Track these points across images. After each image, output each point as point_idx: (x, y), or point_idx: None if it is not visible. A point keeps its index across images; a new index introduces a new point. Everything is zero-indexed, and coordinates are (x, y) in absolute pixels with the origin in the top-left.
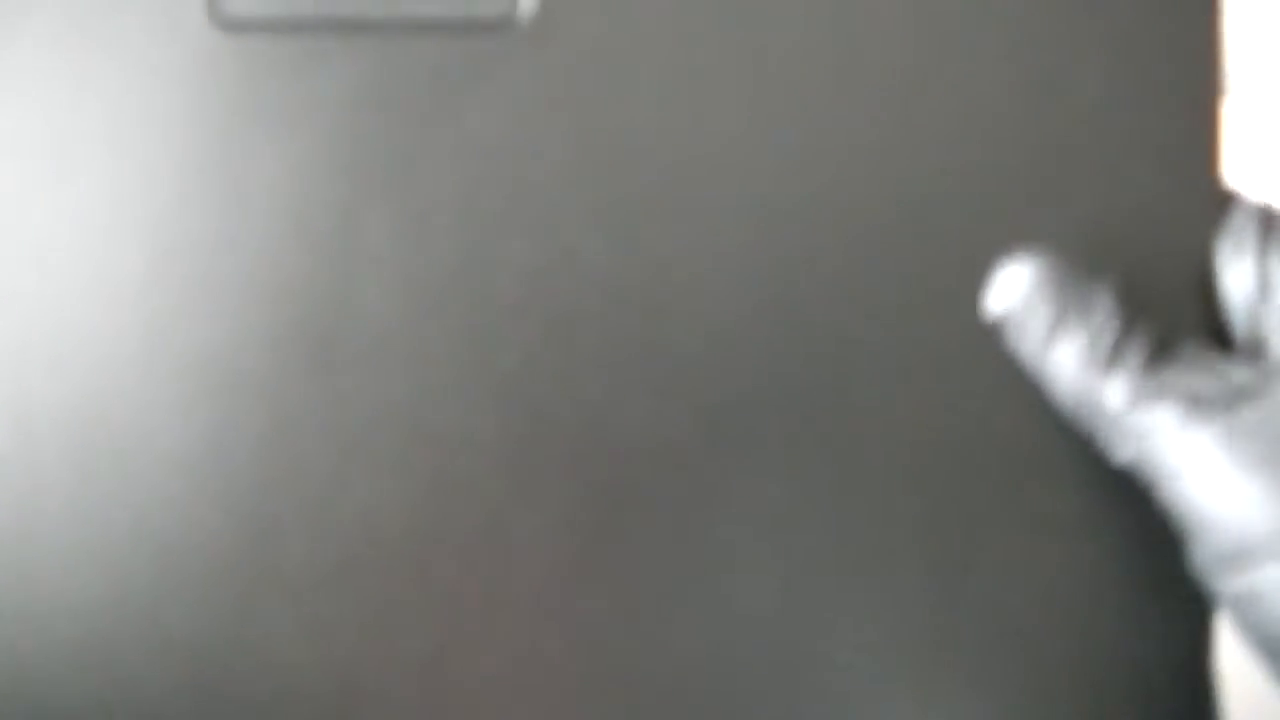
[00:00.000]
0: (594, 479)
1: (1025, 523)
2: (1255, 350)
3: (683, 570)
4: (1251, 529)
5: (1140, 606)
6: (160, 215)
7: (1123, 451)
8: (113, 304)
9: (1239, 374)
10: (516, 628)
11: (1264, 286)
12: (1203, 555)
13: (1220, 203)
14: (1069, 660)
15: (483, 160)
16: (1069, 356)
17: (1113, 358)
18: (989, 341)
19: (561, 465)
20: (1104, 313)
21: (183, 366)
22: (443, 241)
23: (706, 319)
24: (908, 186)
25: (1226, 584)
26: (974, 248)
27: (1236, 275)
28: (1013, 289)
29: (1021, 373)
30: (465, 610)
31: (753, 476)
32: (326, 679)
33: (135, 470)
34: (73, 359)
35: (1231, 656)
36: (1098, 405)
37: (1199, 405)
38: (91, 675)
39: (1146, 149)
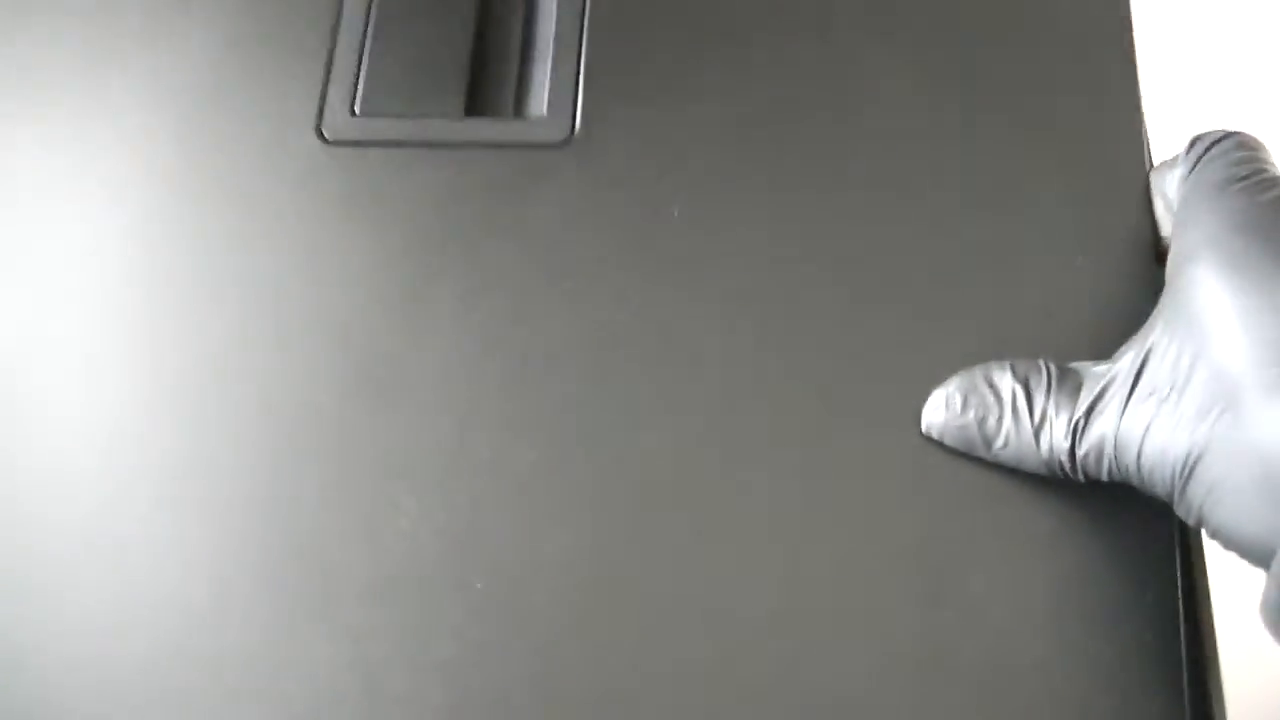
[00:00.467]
0: (615, 504)
1: (1005, 541)
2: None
3: (690, 584)
4: None
5: (1111, 614)
6: (264, 281)
7: (1103, 473)
8: (229, 342)
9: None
10: (541, 634)
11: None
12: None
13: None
14: (1047, 665)
15: (533, 245)
16: (1009, 442)
17: (1040, 425)
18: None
19: (587, 491)
20: (1010, 393)
21: (266, 401)
22: (494, 308)
23: (721, 374)
24: None
25: None
26: (948, 311)
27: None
28: (932, 413)
29: None
30: (494, 618)
31: (756, 504)
32: (356, 682)
33: (206, 487)
34: (177, 387)
35: (1230, 655)
36: (1058, 461)
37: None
38: (149, 678)
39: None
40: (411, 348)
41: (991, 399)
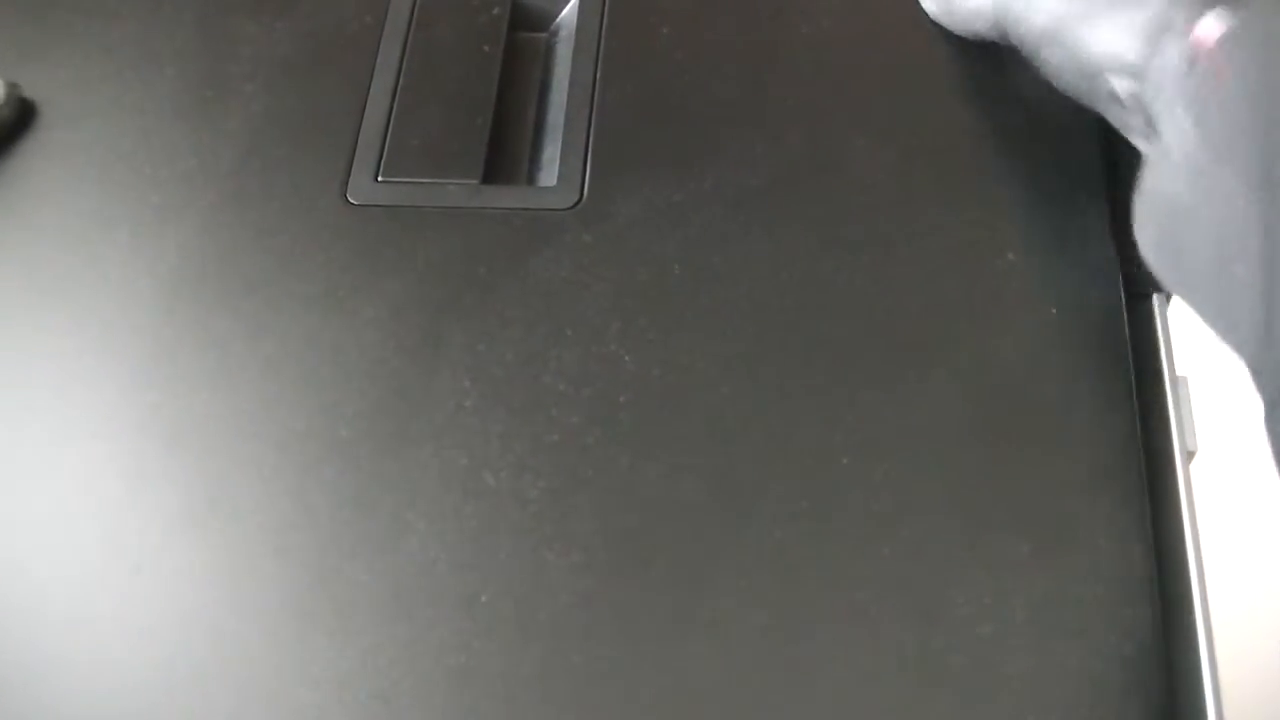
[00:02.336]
0: (617, 527)
1: (989, 564)
2: None
3: (686, 602)
4: None
5: (1090, 629)
6: (291, 325)
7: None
8: (261, 377)
9: None
10: (546, 645)
11: None
12: None
13: None
14: (1031, 676)
15: (541, 297)
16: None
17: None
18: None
19: (590, 517)
20: None
21: (290, 432)
22: (506, 351)
23: (715, 414)
24: None
25: None
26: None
27: None
28: None
29: (982, 440)
30: (502, 631)
31: (750, 523)
32: (367, 688)
33: (232, 508)
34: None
35: (1231, 654)
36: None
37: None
38: (173, 684)
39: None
40: (426, 388)
41: None
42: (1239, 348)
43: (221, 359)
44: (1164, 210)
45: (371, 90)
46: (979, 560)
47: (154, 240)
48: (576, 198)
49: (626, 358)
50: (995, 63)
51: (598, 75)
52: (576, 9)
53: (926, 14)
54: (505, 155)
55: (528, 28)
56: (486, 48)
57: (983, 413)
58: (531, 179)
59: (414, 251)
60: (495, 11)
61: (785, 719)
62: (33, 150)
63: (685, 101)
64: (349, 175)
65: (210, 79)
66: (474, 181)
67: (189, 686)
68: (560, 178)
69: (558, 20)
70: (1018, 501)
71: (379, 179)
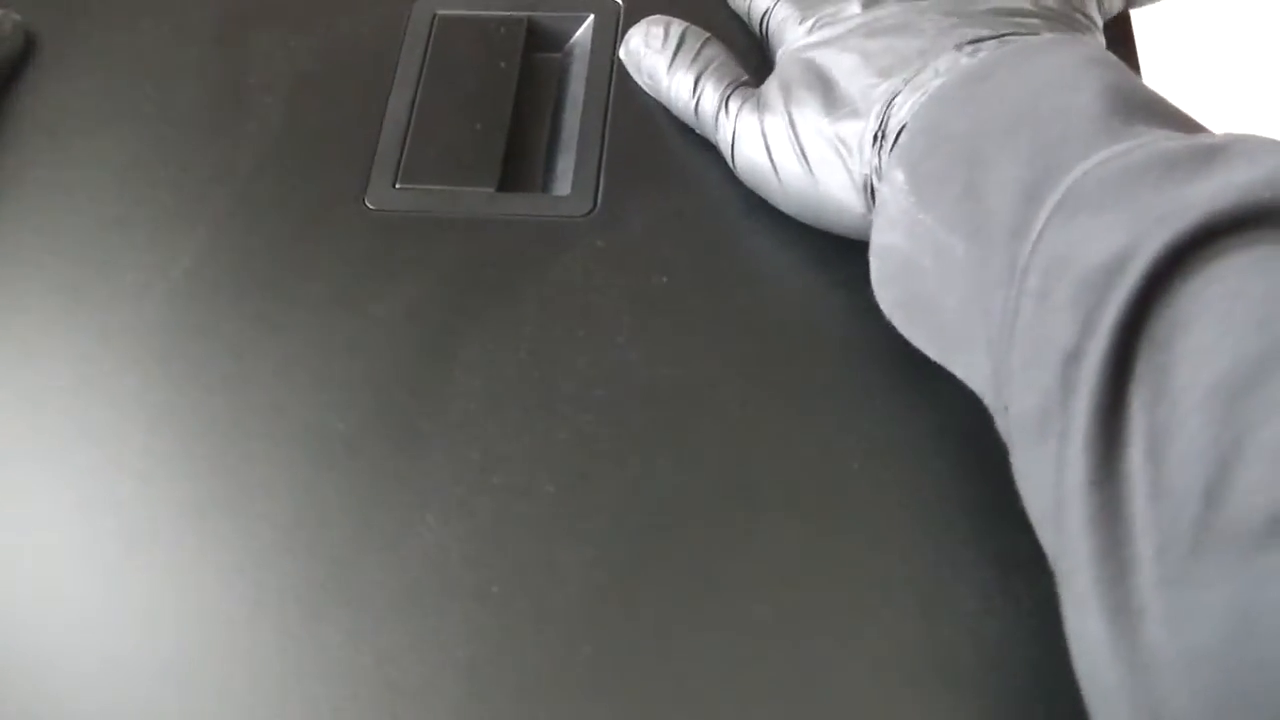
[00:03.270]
0: (628, 521)
1: (994, 562)
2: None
3: (696, 594)
4: None
5: None
6: (309, 325)
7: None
8: (276, 376)
9: None
10: (557, 637)
11: None
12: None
13: None
14: (1037, 671)
15: (554, 300)
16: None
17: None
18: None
19: (601, 512)
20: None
21: (305, 427)
22: (519, 351)
23: (724, 412)
24: None
25: None
26: None
27: None
28: (632, 45)
29: (988, 450)
30: (513, 624)
31: (757, 520)
32: (379, 680)
33: (246, 501)
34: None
35: None
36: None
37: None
38: (185, 675)
39: None
40: (440, 387)
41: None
42: (981, 394)
43: (238, 358)
44: (892, 263)
45: (390, 103)
46: (986, 556)
47: (172, 242)
48: (590, 206)
49: (637, 359)
50: None
51: (610, 91)
52: (591, 30)
53: None
54: (521, 165)
55: (543, 48)
56: (503, 64)
57: (988, 411)
58: (546, 188)
59: (430, 256)
60: (511, 30)
61: (794, 710)
62: (51, 156)
63: None
64: (368, 182)
65: (230, 91)
66: (490, 189)
67: (201, 681)
68: (574, 186)
69: (572, 40)
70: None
71: (397, 186)
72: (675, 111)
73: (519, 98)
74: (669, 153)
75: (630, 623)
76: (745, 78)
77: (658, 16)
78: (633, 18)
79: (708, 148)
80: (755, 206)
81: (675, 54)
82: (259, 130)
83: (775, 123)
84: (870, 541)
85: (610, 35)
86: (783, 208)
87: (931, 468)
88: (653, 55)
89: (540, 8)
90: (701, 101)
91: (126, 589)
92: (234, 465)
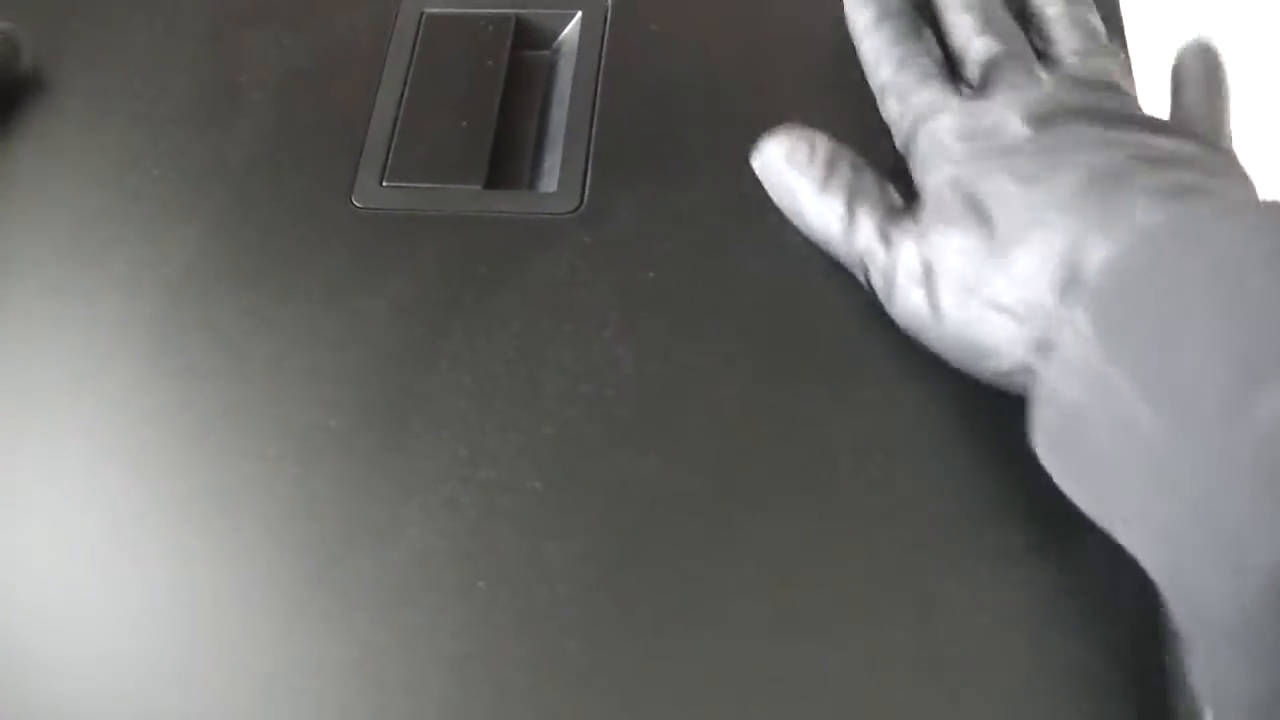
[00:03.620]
0: (615, 517)
1: (991, 554)
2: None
3: (686, 593)
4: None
5: (1089, 619)
6: (296, 321)
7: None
8: (263, 372)
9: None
10: (544, 634)
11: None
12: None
13: None
14: (1028, 666)
15: (540, 296)
16: (823, 217)
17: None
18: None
19: (588, 508)
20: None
21: (291, 424)
22: (506, 347)
23: (713, 408)
24: None
25: None
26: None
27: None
28: (770, 157)
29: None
30: (500, 620)
31: (749, 517)
32: (365, 676)
33: (232, 498)
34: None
35: None
36: (846, 249)
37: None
38: (172, 670)
39: None
40: (427, 383)
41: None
42: (1143, 563)
43: (226, 354)
44: (1058, 413)
45: (377, 101)
46: (977, 552)
47: (161, 238)
48: (577, 202)
49: (624, 354)
50: None
51: (598, 88)
52: (578, 27)
53: None
54: (508, 162)
55: (530, 46)
56: (490, 62)
57: (981, 406)
58: (533, 185)
59: (417, 252)
60: (498, 29)
61: (784, 709)
62: (42, 153)
63: (683, 112)
64: (355, 179)
65: (220, 88)
66: (477, 186)
67: (188, 675)
68: (561, 183)
69: (560, 38)
70: (1015, 493)
71: (384, 183)
72: (809, 233)
73: (506, 95)
74: (656, 149)
75: (618, 619)
76: (899, 203)
77: (801, 129)
78: (620, 15)
79: (694, 144)
80: (743, 203)
81: (827, 176)
82: (249, 127)
83: (938, 260)
84: (864, 539)
85: (598, 32)
86: (935, 348)
87: (925, 465)
88: (797, 174)
89: (528, 5)
90: (855, 231)
91: (113, 583)
92: (221, 460)
